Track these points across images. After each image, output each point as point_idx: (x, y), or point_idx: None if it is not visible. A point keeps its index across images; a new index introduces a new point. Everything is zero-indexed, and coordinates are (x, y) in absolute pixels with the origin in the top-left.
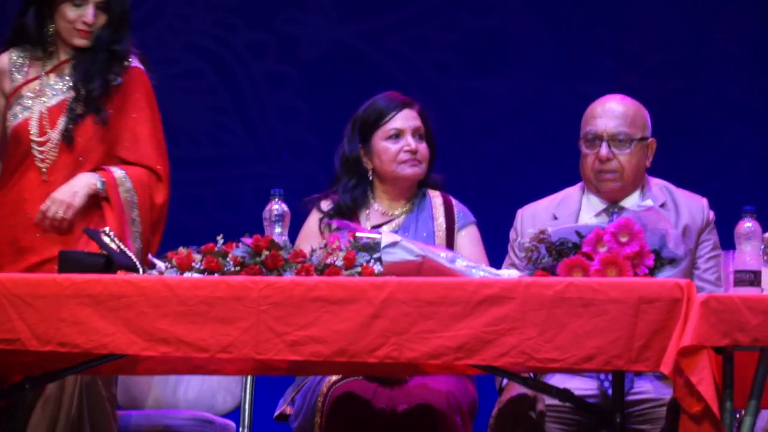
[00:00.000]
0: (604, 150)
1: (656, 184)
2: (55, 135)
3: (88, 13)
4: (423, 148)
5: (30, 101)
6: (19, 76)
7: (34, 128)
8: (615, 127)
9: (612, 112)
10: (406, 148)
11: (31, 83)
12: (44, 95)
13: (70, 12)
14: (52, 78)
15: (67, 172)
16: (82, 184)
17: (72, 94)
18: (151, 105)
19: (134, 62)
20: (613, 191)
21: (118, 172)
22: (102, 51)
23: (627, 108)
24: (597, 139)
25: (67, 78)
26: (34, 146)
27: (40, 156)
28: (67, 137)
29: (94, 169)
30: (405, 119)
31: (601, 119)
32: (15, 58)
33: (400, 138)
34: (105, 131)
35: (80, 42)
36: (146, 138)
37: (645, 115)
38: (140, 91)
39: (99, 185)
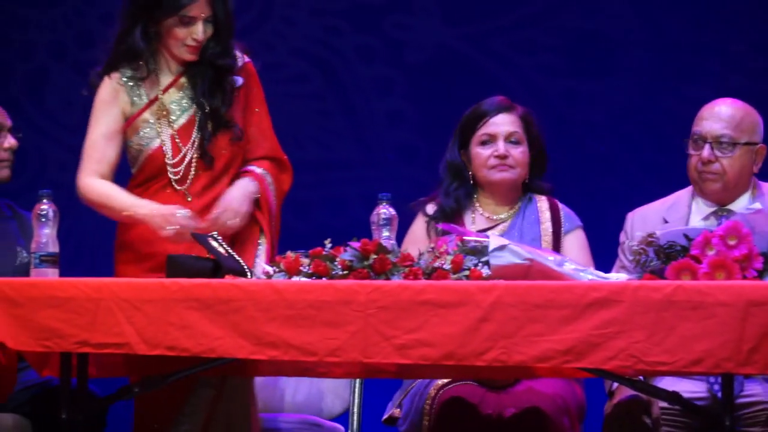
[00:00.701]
0: (706, 152)
1: (766, 188)
2: (190, 153)
3: (198, 30)
4: (517, 152)
5: (157, 124)
6: (138, 99)
7: (168, 152)
8: (719, 129)
9: (718, 115)
10: (496, 153)
11: (153, 105)
12: (171, 114)
13: (180, 30)
14: (173, 95)
15: (208, 186)
16: (246, 192)
17: (197, 109)
18: (263, 95)
19: (241, 56)
20: (714, 193)
21: (261, 172)
22: (211, 64)
23: (735, 111)
24: (701, 140)
25: (187, 92)
26: (170, 168)
27: (176, 177)
28: (206, 158)
29: (235, 174)
30: (498, 124)
31: (707, 121)
32: (126, 80)
33: (492, 143)
34: (239, 142)
35: (190, 57)
36: (269, 130)
37: (755, 121)
38: (257, 85)
39: (255, 190)
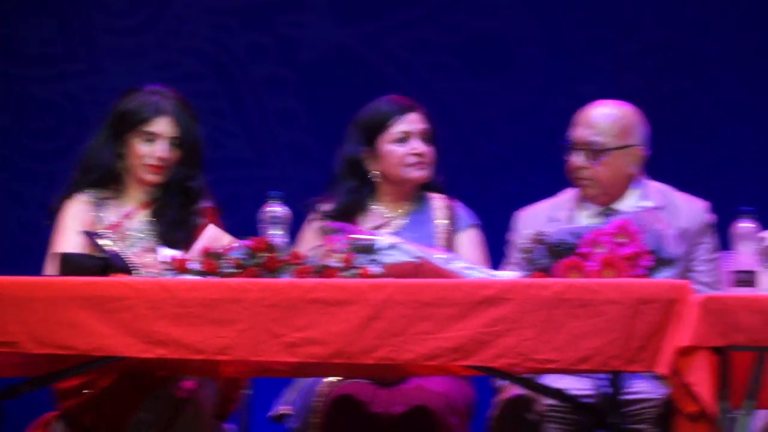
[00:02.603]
0: (576, 158)
1: (654, 187)
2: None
3: (161, 148)
4: (430, 151)
5: (116, 244)
6: (102, 217)
7: None
8: (589, 135)
9: (589, 121)
10: (414, 151)
11: (115, 228)
12: (128, 239)
13: (142, 147)
14: (135, 222)
15: None
16: None
17: (158, 240)
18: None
19: (208, 202)
20: (593, 197)
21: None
22: (177, 189)
23: (607, 116)
24: (574, 146)
25: (149, 222)
26: None
27: None
28: None
29: None
30: (412, 122)
31: (579, 127)
32: (91, 200)
33: (406, 141)
34: None
35: (151, 178)
36: None
37: (628, 123)
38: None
39: None
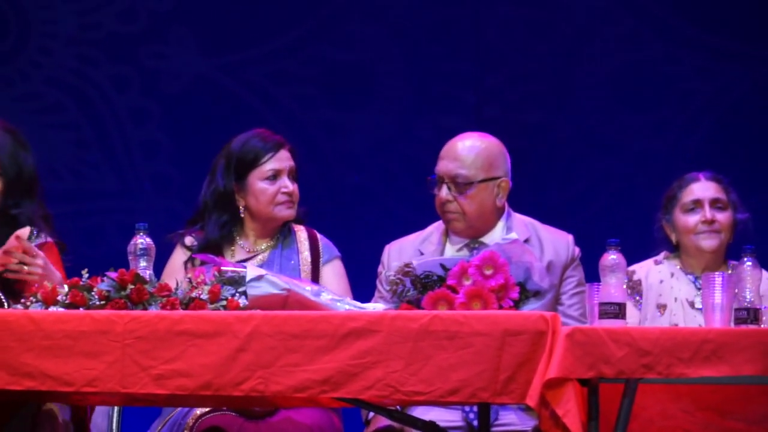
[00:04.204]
0: (443, 192)
1: (520, 219)
2: None
3: None
4: (296, 189)
5: None
6: None
7: None
8: (454, 169)
9: (453, 154)
10: (284, 189)
11: None
12: None
13: None
14: None
15: None
16: None
17: None
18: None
19: (44, 236)
20: (459, 231)
21: None
22: (4, 218)
23: (471, 149)
24: (439, 180)
25: None
26: None
27: None
28: None
29: None
30: (281, 160)
31: (443, 161)
32: None
33: (276, 179)
34: None
35: None
36: None
37: (493, 155)
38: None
39: None
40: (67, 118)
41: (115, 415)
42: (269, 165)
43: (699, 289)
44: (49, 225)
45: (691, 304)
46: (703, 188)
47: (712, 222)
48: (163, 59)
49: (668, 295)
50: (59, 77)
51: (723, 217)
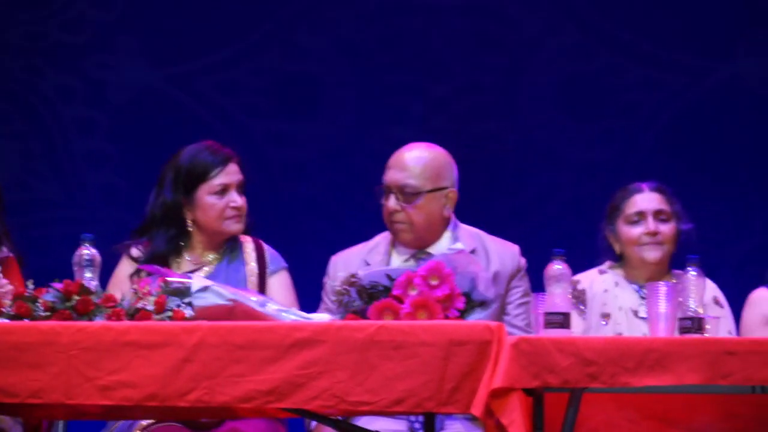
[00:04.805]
0: (391, 202)
1: (466, 230)
2: None
3: None
4: (245, 202)
5: None
6: None
7: None
8: (402, 179)
9: (401, 164)
10: (233, 204)
11: None
12: None
13: None
14: None
15: None
16: None
17: None
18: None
19: (7, 251)
20: (407, 242)
21: None
22: None
23: (418, 159)
24: (387, 189)
25: None
26: None
27: None
28: None
29: None
30: (230, 174)
31: (391, 171)
32: None
33: (225, 193)
34: None
35: None
36: None
37: (441, 166)
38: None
39: None
40: (13, 128)
41: (60, 429)
42: (218, 179)
43: (643, 298)
44: (9, 239)
45: (635, 314)
46: (646, 199)
47: (655, 234)
48: (109, 69)
49: (612, 305)
50: (5, 87)
51: (666, 228)
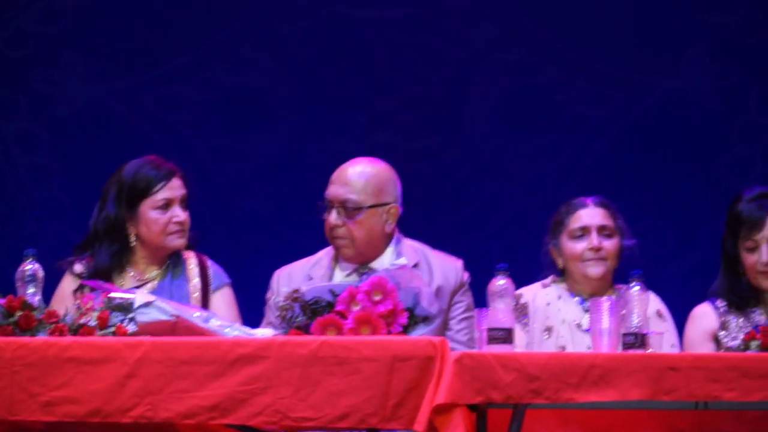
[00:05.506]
0: (332, 217)
1: (409, 245)
2: None
3: None
4: (188, 217)
5: None
6: None
7: None
8: (344, 193)
9: (343, 179)
10: (176, 219)
11: None
12: None
13: None
14: None
15: None
16: None
17: None
18: None
19: None
20: (348, 258)
21: None
22: None
23: (361, 174)
24: (329, 204)
25: None
26: None
27: None
28: None
29: None
30: (173, 189)
31: (333, 185)
32: None
33: (168, 208)
34: None
35: None
36: None
37: (383, 181)
38: None
39: None
40: None
41: None
42: (161, 194)
43: (586, 311)
44: None
45: (579, 326)
46: (590, 215)
47: (599, 249)
48: (52, 84)
49: (555, 318)
50: None
51: (610, 244)
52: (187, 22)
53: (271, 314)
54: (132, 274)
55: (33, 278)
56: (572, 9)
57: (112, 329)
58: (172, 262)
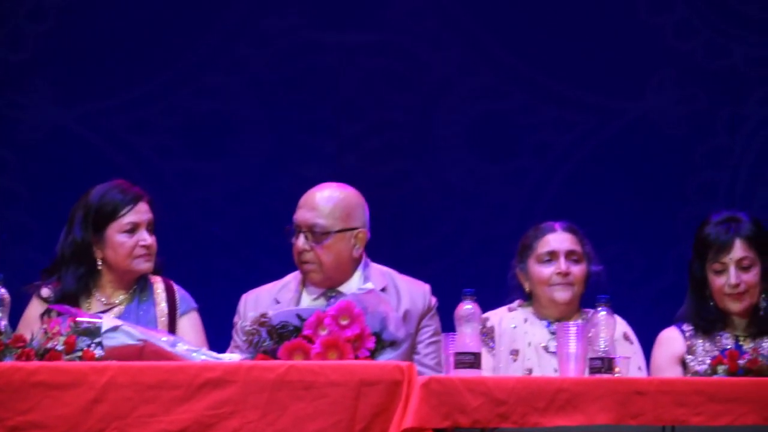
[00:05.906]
0: (300, 241)
1: (377, 269)
2: None
3: None
4: (154, 241)
5: None
6: None
7: None
8: (312, 218)
9: (312, 204)
10: (142, 243)
11: None
12: None
13: None
14: None
15: None
16: None
17: None
18: None
19: None
20: (316, 282)
21: None
22: None
23: (329, 199)
24: (297, 229)
25: None
26: None
27: None
28: None
29: None
30: (140, 213)
31: (301, 210)
32: None
33: (135, 232)
34: None
35: None
36: None
37: (351, 206)
38: None
39: None
40: None
41: None
42: (128, 218)
43: (553, 333)
44: None
45: (546, 349)
46: (558, 240)
47: (566, 274)
48: (19, 109)
49: (522, 341)
50: None
51: (577, 269)
52: (155, 48)
53: (238, 338)
54: (99, 298)
55: None
56: (539, 35)
57: (79, 354)
58: (139, 286)
